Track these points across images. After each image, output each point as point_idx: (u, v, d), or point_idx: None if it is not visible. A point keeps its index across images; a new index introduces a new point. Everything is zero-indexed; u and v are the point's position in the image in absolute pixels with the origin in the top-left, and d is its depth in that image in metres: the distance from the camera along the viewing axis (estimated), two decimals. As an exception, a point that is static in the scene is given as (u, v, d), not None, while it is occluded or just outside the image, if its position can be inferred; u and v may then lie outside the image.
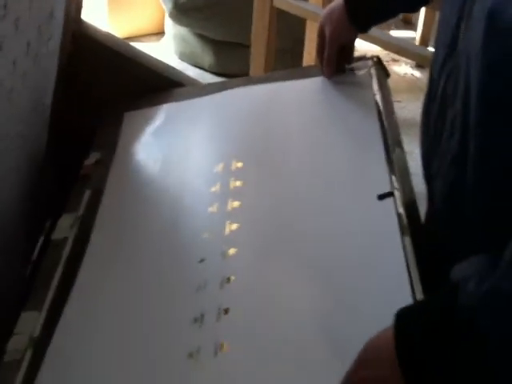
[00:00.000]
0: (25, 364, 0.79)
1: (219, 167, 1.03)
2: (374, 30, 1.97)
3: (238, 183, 0.99)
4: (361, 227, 0.87)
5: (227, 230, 0.91)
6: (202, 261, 0.88)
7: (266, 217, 0.93)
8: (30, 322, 0.84)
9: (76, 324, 0.84)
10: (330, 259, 0.84)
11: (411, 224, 0.85)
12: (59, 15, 1.08)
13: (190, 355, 0.75)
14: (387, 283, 0.78)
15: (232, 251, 0.87)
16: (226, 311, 0.79)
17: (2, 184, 0.92)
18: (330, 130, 1.06)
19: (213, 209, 0.96)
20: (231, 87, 1.24)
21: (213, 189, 0.99)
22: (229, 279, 0.83)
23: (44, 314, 0.85)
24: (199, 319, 0.79)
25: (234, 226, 0.91)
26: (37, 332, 0.83)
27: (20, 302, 0.87)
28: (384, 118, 1.03)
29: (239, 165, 1.03)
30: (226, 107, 1.19)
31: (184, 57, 3.05)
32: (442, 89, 0.79)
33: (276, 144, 1.07)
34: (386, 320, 0.69)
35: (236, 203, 0.95)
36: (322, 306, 0.78)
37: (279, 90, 1.20)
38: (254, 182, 1.00)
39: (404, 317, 0.63)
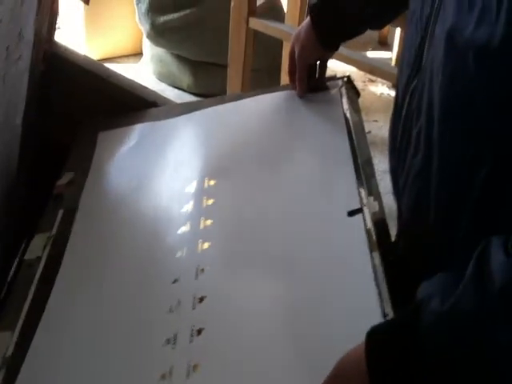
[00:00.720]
0: None
1: (192, 186, 1.04)
2: (349, 51, 2.00)
3: (210, 201, 0.99)
4: (330, 243, 0.87)
5: (199, 249, 0.91)
6: (175, 281, 0.88)
7: (238, 234, 0.93)
8: (2, 343, 0.83)
9: (48, 345, 0.84)
10: (300, 274, 0.85)
11: (380, 240, 0.85)
12: (29, 35, 1.08)
13: (163, 377, 0.75)
14: (356, 297, 0.79)
15: (204, 270, 0.87)
16: (199, 332, 0.79)
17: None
18: (301, 146, 1.08)
19: (186, 228, 0.96)
20: (204, 107, 1.25)
21: (185, 208, 1.00)
22: (201, 299, 0.83)
23: (17, 333, 0.85)
24: (172, 340, 0.79)
25: (206, 245, 0.91)
26: (9, 352, 0.82)
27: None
28: (354, 136, 1.04)
29: (212, 183, 1.03)
30: (199, 126, 1.19)
31: (162, 77, 3.06)
32: (406, 106, 0.82)
33: (248, 160, 1.07)
34: (356, 334, 0.70)
35: (208, 221, 0.95)
36: (294, 322, 0.79)
37: (249, 105, 1.21)
38: (226, 200, 1.00)
39: (373, 336, 0.65)
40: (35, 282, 0.92)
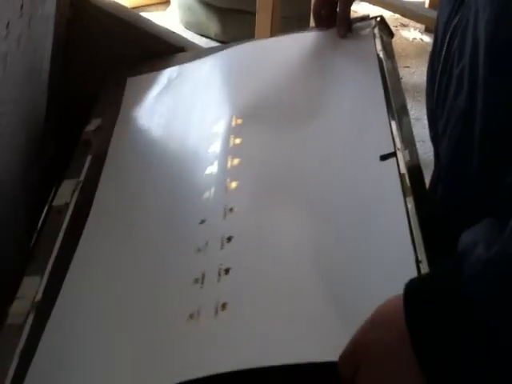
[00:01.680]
0: (27, 327, 0.79)
1: (219, 125, 1.01)
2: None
3: (237, 140, 0.97)
4: (362, 187, 0.85)
5: (227, 188, 0.90)
6: (202, 222, 0.86)
7: (266, 174, 0.91)
8: (31, 287, 0.84)
9: (77, 290, 0.84)
10: (331, 216, 0.83)
11: (414, 186, 0.83)
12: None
13: (191, 316, 0.74)
14: (389, 243, 0.77)
15: (232, 210, 0.86)
16: (227, 271, 0.78)
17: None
18: (333, 89, 1.04)
19: (213, 168, 0.94)
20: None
21: (212, 147, 0.98)
22: (229, 238, 0.82)
23: (45, 278, 0.85)
24: (200, 280, 0.78)
25: (234, 184, 0.90)
26: (39, 296, 0.83)
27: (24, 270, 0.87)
28: (388, 80, 1.01)
29: (239, 121, 1.01)
30: (227, 65, 1.17)
31: (190, 26, 3.02)
32: (447, 45, 0.77)
33: (277, 101, 1.04)
34: (389, 280, 0.69)
35: (236, 161, 0.94)
36: (324, 264, 0.77)
37: (280, 44, 1.18)
38: (254, 139, 0.98)
39: (413, 286, 0.62)
40: (63, 228, 0.92)
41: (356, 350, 0.63)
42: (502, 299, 0.55)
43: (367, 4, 2.06)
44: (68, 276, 0.85)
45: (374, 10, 2.18)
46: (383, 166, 0.86)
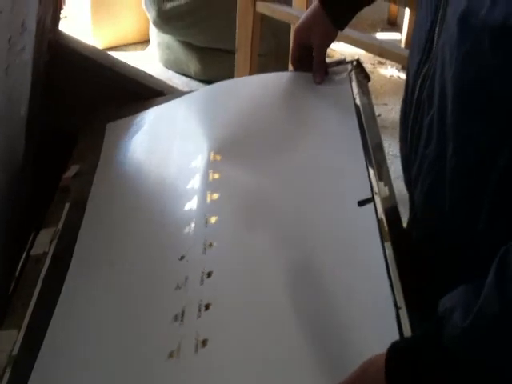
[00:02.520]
0: (4, 382, 0.78)
1: (197, 161, 1.02)
2: (358, 33, 1.97)
3: (216, 175, 0.98)
4: (341, 231, 0.86)
5: (206, 223, 0.90)
6: (182, 258, 0.86)
7: (245, 209, 0.92)
8: (8, 341, 0.82)
9: (60, 341, 0.83)
10: (309, 258, 0.82)
11: (392, 229, 0.83)
12: (31, 26, 1.06)
13: (171, 355, 0.74)
14: (368, 288, 0.77)
15: (212, 245, 0.86)
16: (207, 307, 0.78)
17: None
18: (309, 129, 1.05)
19: (192, 203, 0.94)
20: None
21: (191, 183, 0.98)
22: (209, 274, 0.82)
23: (23, 332, 0.84)
24: (179, 316, 0.78)
25: (213, 219, 0.90)
26: (16, 350, 0.81)
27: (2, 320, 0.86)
28: (364, 121, 1.02)
29: (218, 157, 1.01)
30: (204, 102, 1.17)
31: (169, 65, 3.04)
32: (417, 93, 0.79)
33: (254, 139, 1.05)
34: (366, 325, 0.71)
35: (215, 195, 0.94)
36: (303, 303, 0.77)
37: (256, 83, 1.19)
38: (232, 174, 0.98)
39: (395, 348, 0.65)
40: (41, 278, 0.91)
41: None
42: (479, 364, 0.59)
43: (343, 43, 2.08)
44: (50, 327, 0.84)
45: (350, 49, 2.21)
46: (361, 211, 0.86)
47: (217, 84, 1.21)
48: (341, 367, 0.68)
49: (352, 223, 0.86)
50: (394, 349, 0.64)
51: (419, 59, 0.78)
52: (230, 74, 2.32)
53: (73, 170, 1.12)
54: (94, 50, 1.36)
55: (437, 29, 0.74)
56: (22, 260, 1.09)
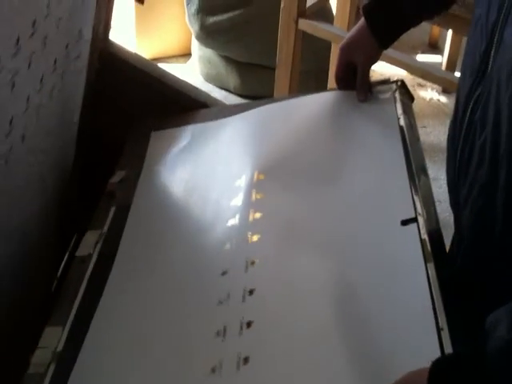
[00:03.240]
0: (48, 378, 0.79)
1: (241, 180, 1.04)
2: (400, 54, 1.98)
3: (259, 195, 0.99)
4: (383, 251, 0.86)
5: (249, 241, 0.91)
6: (224, 273, 0.88)
7: (288, 228, 0.93)
8: (53, 337, 0.84)
9: (101, 339, 0.85)
10: (352, 277, 0.83)
11: (435, 251, 0.83)
12: (87, 34, 1.09)
13: (213, 370, 0.75)
14: (410, 310, 0.77)
15: (254, 263, 0.87)
16: (249, 324, 0.79)
17: (26, 198, 0.93)
18: (353, 151, 1.06)
19: (234, 220, 0.96)
20: (255, 108, 1.25)
21: (234, 201, 1.00)
22: (251, 291, 0.83)
23: (67, 329, 0.86)
24: (221, 332, 0.79)
25: (256, 237, 0.91)
26: (60, 347, 0.83)
27: (46, 317, 0.88)
28: (408, 142, 1.03)
29: (261, 177, 1.03)
30: (250, 124, 1.20)
31: (209, 78, 3.07)
32: (469, 115, 0.79)
33: (299, 159, 1.06)
34: (407, 347, 0.71)
35: (258, 214, 0.96)
36: (345, 322, 0.78)
37: (301, 105, 1.20)
38: (276, 195, 0.99)
39: (439, 362, 0.64)
40: (86, 278, 0.93)
41: None
42: None
43: (385, 63, 2.09)
44: (92, 325, 0.86)
45: (390, 71, 2.21)
46: (404, 230, 0.87)
47: (263, 107, 1.23)
48: None
49: (395, 242, 0.86)
50: (438, 361, 0.64)
51: (472, 81, 0.78)
52: (269, 90, 2.35)
53: (118, 175, 1.15)
54: (142, 60, 1.39)
55: (492, 51, 0.74)
56: (64, 260, 1.12)
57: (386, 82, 1.19)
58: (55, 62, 0.93)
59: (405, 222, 0.87)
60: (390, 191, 0.95)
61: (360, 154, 1.05)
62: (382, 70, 2.77)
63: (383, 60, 2.04)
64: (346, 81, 1.15)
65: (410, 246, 0.84)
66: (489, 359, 0.60)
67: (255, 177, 1.03)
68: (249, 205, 0.98)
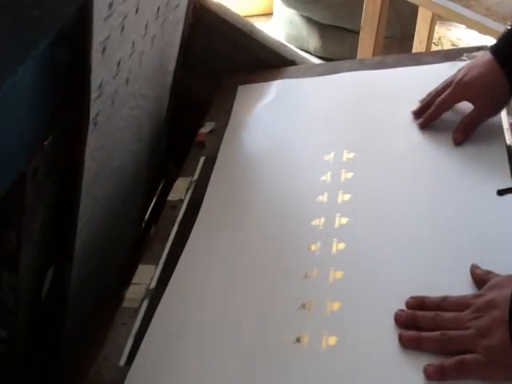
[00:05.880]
0: (141, 312, 0.83)
1: (330, 156, 1.03)
2: (493, 23, 1.92)
3: (348, 175, 0.98)
4: (481, 222, 0.84)
5: (337, 223, 0.90)
6: (309, 249, 0.88)
7: (378, 211, 0.91)
8: (147, 274, 0.88)
9: (186, 282, 0.87)
10: (446, 261, 0.81)
11: None
12: (186, -15, 1.11)
13: (298, 339, 0.76)
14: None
15: (341, 245, 0.87)
16: (335, 303, 0.79)
17: (125, 140, 0.96)
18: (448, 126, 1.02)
19: (323, 198, 0.95)
20: (344, 69, 1.25)
21: (323, 177, 0.99)
22: (338, 273, 0.83)
23: (160, 268, 0.89)
24: (307, 306, 0.79)
25: (344, 220, 0.90)
26: (153, 284, 0.87)
27: (135, 255, 0.92)
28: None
29: (350, 155, 1.02)
30: (339, 90, 1.18)
31: (290, 39, 3.06)
32: None
33: (390, 136, 1.04)
34: None
35: (346, 196, 0.94)
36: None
37: (399, 76, 1.17)
38: (365, 175, 0.98)
39: None
40: (177, 222, 0.97)
41: None
42: None
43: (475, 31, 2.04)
44: (178, 266, 0.89)
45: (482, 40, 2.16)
46: (501, 200, 0.86)
47: (353, 73, 1.21)
48: None
49: (493, 214, 0.84)
50: None
51: None
52: (350, 54, 2.32)
53: (208, 126, 1.17)
54: (233, 15, 1.40)
55: None
56: (151, 204, 1.16)
57: (482, 48, 1.15)
58: (158, 9, 0.95)
59: (501, 192, 0.86)
60: (487, 164, 0.93)
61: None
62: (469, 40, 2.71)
63: (473, 28, 1.99)
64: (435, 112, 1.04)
65: (508, 216, 0.83)
66: None
67: (344, 155, 1.02)
68: (338, 185, 0.97)
